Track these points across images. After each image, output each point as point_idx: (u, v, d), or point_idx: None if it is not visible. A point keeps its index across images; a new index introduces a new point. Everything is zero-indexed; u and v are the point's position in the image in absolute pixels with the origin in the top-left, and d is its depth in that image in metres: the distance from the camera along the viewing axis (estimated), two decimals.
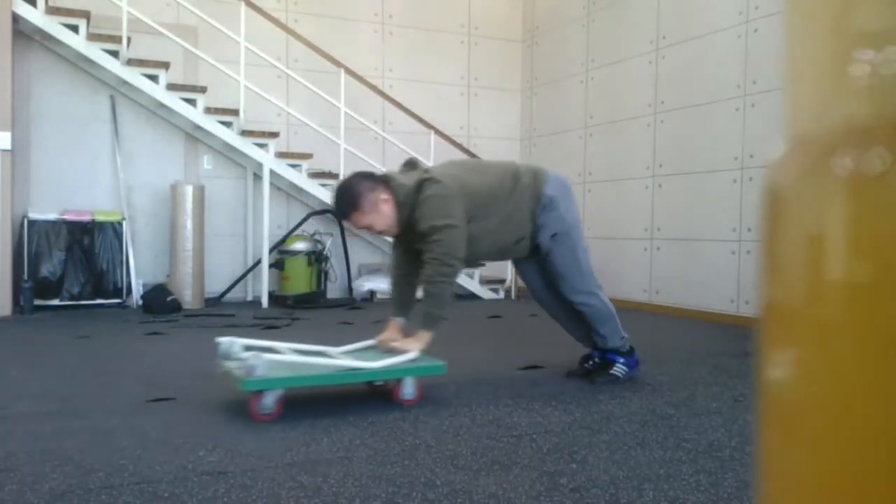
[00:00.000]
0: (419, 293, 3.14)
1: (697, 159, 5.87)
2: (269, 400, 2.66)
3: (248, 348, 2.87)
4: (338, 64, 6.65)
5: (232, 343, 2.85)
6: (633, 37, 6.55)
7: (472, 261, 3.23)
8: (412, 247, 3.13)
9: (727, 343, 4.56)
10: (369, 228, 3.06)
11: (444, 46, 7.83)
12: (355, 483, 2.03)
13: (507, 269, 7.58)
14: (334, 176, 6.78)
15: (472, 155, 7.30)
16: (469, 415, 2.77)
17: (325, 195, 6.72)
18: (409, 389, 2.91)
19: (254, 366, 2.63)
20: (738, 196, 5.50)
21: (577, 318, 3.41)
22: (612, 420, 2.73)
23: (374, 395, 3.06)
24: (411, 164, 3.21)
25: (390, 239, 3.48)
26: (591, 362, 3.46)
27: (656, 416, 2.80)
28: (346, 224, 3.16)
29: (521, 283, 7.82)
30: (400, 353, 2.97)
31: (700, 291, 5.81)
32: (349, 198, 2.99)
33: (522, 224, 3.18)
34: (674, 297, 6.07)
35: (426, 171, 3.10)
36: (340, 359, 2.96)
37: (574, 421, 2.71)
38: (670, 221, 6.14)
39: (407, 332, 3.16)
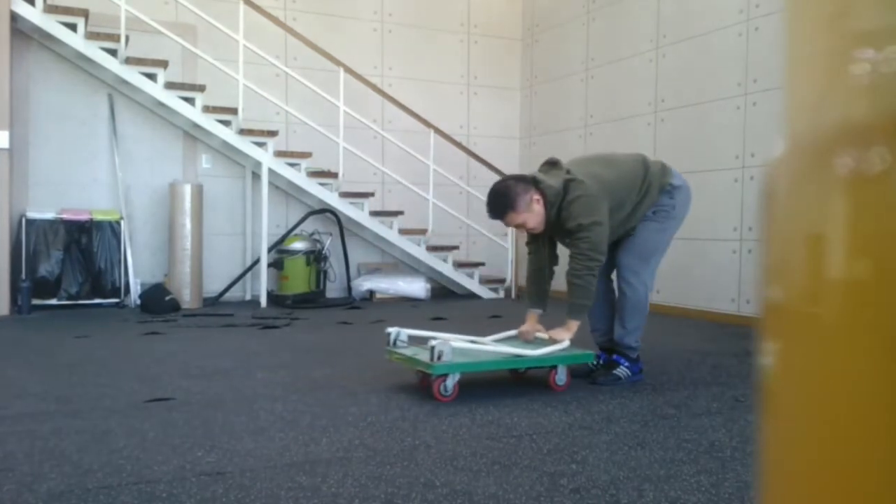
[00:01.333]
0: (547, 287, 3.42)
1: (698, 158, 5.86)
2: (451, 382, 2.93)
3: (411, 338, 3.28)
4: (337, 62, 6.64)
5: (399, 332, 3.26)
6: (634, 35, 6.54)
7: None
8: (549, 242, 3.40)
9: (728, 343, 4.55)
10: (521, 226, 3.27)
11: (444, 45, 7.83)
12: (354, 483, 2.02)
13: (507, 269, 7.58)
14: (333, 175, 6.77)
15: (472, 154, 7.30)
16: (469, 415, 2.77)
17: (325, 194, 6.72)
18: (562, 376, 3.17)
19: (442, 351, 2.91)
20: (738, 195, 5.50)
21: (610, 309, 3.47)
22: (612, 420, 2.72)
23: (374, 394, 3.05)
24: (552, 164, 3.35)
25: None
26: (595, 363, 3.45)
27: (657, 416, 2.80)
28: (499, 222, 3.37)
29: (520, 282, 7.82)
30: (552, 342, 3.21)
31: (701, 291, 5.80)
32: (507, 199, 3.18)
33: (643, 212, 3.35)
34: (674, 297, 6.07)
35: (568, 171, 3.26)
36: (503, 347, 3.23)
37: (574, 421, 2.70)
38: None
39: (544, 323, 3.38)
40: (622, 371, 3.36)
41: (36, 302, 5.79)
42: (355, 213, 6.83)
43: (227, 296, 6.66)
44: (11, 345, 4.25)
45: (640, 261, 3.38)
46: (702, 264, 5.80)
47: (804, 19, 0.58)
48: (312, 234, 6.89)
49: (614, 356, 3.41)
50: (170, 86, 6.21)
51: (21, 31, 5.95)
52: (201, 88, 6.33)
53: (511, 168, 7.99)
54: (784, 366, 0.58)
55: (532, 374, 3.37)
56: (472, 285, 7.31)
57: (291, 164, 6.67)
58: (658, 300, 6.23)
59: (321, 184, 6.74)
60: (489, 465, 2.19)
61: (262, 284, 6.42)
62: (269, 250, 6.53)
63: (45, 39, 6.07)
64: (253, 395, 3.00)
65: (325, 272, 6.87)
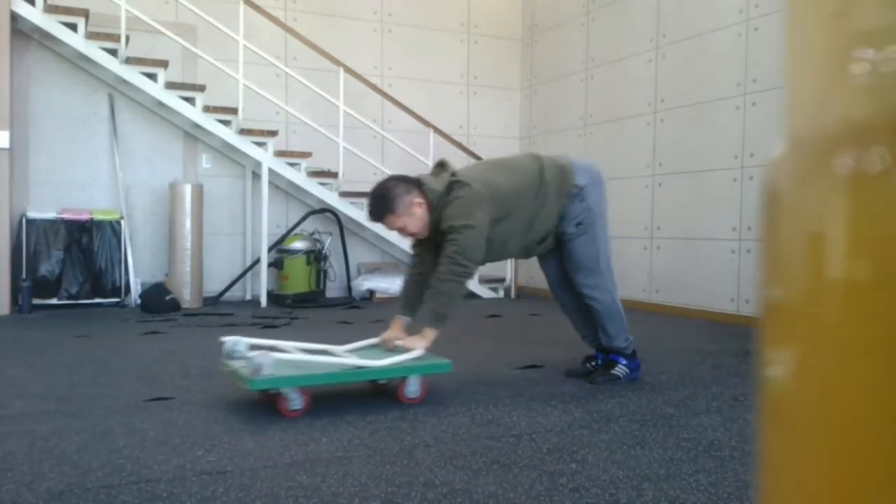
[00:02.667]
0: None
1: (697, 158, 5.86)
2: (296, 398, 2.71)
3: (253, 347, 2.90)
4: (337, 62, 6.64)
5: (237, 342, 2.88)
6: (633, 35, 6.55)
7: (494, 260, 3.25)
8: (433, 248, 3.16)
9: (727, 342, 4.55)
10: (402, 230, 3.10)
11: (444, 45, 7.83)
12: (354, 483, 2.02)
13: (506, 269, 7.58)
14: (333, 175, 6.77)
15: (472, 154, 7.30)
16: (468, 414, 2.77)
17: (325, 194, 6.72)
18: (413, 388, 2.92)
19: (260, 364, 2.64)
20: (738, 195, 5.50)
21: (586, 316, 3.43)
22: (611, 420, 2.73)
23: (372, 394, 3.05)
24: (441, 166, 3.22)
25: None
26: (593, 363, 3.45)
27: (656, 415, 2.80)
28: (380, 225, 3.19)
29: (520, 282, 7.83)
30: (404, 351, 2.98)
31: (700, 290, 5.81)
32: (385, 200, 3.03)
33: (549, 220, 3.21)
34: (674, 297, 6.07)
35: (454, 173, 3.12)
36: (345, 357, 2.97)
37: (574, 420, 2.71)
38: (670, 220, 6.14)
39: (410, 331, 3.16)
40: (620, 370, 3.35)
41: (36, 301, 5.79)
42: (355, 212, 6.83)
43: (228, 295, 6.66)
44: (11, 344, 4.25)
45: (590, 274, 3.30)
46: (701, 264, 5.80)
47: (804, 19, 0.58)
48: (312, 233, 6.90)
49: (611, 355, 3.40)
50: (170, 86, 6.21)
51: (21, 30, 5.95)
52: (201, 88, 6.33)
53: None
54: (783, 365, 0.58)
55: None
56: (472, 285, 7.31)
57: (291, 164, 6.67)
58: (657, 300, 6.23)
59: (321, 183, 6.74)
60: (489, 464, 2.20)
61: (263, 284, 6.42)
62: (269, 250, 6.53)
63: (45, 39, 6.07)
64: (253, 395, 3.00)
65: (325, 272, 6.87)
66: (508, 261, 7.51)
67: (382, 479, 2.05)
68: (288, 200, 7.10)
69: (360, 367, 2.85)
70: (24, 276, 5.76)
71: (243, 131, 6.42)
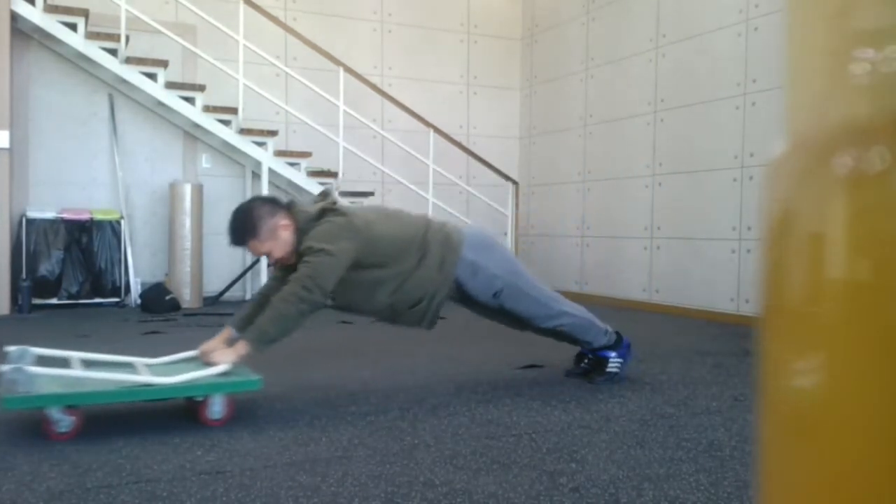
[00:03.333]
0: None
1: (697, 158, 5.86)
2: (63, 417, 2.38)
3: (42, 358, 2.61)
4: (337, 62, 6.64)
5: (24, 352, 2.49)
6: (633, 35, 6.54)
7: (360, 311, 3.01)
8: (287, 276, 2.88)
9: (727, 342, 4.55)
10: (268, 256, 2.86)
11: (444, 44, 7.83)
12: (354, 482, 2.02)
13: None
14: (333, 174, 6.77)
15: (472, 154, 7.29)
16: (468, 414, 2.77)
17: None
18: (216, 408, 2.57)
19: (14, 380, 2.33)
20: (738, 195, 5.50)
21: (553, 334, 3.34)
22: (611, 419, 2.73)
23: (374, 394, 3.05)
24: (324, 195, 3.02)
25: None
26: (585, 361, 3.44)
27: (656, 415, 2.80)
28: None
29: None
30: (210, 365, 2.67)
31: (700, 290, 5.81)
32: (247, 223, 2.79)
33: (426, 285, 2.96)
34: (674, 296, 6.07)
35: (335, 202, 2.92)
36: (143, 372, 2.65)
37: (573, 420, 2.71)
38: (670, 220, 6.14)
39: (230, 343, 2.84)
40: (614, 365, 3.33)
41: (36, 301, 5.79)
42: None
43: (228, 295, 6.66)
44: (11, 344, 4.24)
45: (539, 315, 3.18)
46: (701, 264, 5.80)
47: (804, 19, 0.58)
48: None
49: (598, 353, 3.35)
50: (170, 85, 6.21)
51: (21, 30, 5.95)
52: (201, 88, 6.33)
53: (510, 167, 7.99)
54: (784, 365, 0.58)
55: (530, 374, 3.36)
56: None
57: (291, 164, 6.67)
58: (657, 300, 6.23)
59: (321, 183, 6.74)
60: (488, 463, 2.20)
61: (262, 284, 6.41)
62: None
63: (45, 39, 6.06)
64: (252, 394, 3.00)
65: None
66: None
67: (382, 479, 2.05)
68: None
69: (145, 385, 2.49)
70: (23, 275, 5.76)
71: (243, 131, 6.42)
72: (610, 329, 3.36)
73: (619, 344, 3.36)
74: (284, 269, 2.94)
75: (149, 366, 2.83)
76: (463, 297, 3.14)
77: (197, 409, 2.58)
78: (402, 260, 2.92)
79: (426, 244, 2.97)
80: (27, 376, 2.36)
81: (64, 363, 2.67)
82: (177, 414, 2.73)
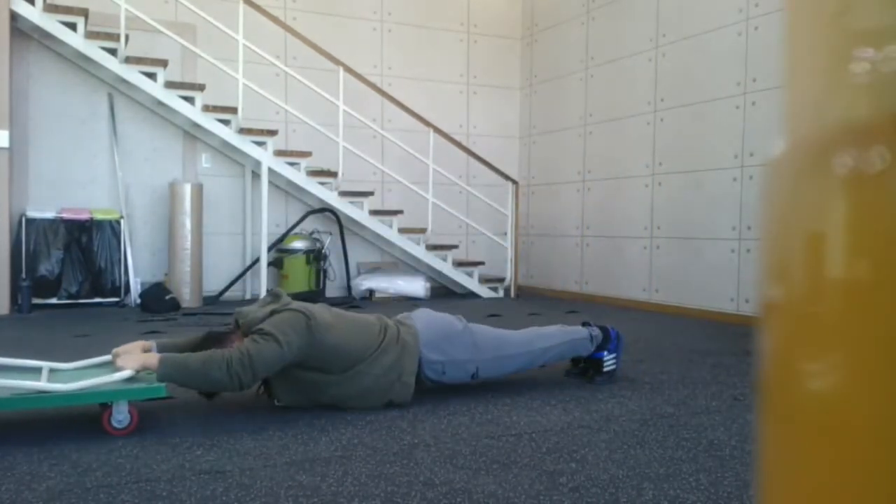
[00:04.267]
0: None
1: (697, 157, 5.86)
2: None
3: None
4: (336, 62, 6.64)
5: None
6: (633, 34, 6.54)
7: (291, 399, 2.79)
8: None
9: (727, 342, 4.55)
10: None
11: (444, 44, 7.83)
12: (354, 482, 2.02)
13: (506, 268, 7.58)
14: (333, 174, 6.77)
15: (472, 154, 7.29)
16: (468, 414, 2.77)
17: (324, 193, 6.71)
18: (121, 416, 2.44)
19: None
20: (738, 194, 5.50)
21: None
22: (611, 419, 2.73)
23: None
24: (274, 296, 2.86)
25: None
26: (582, 362, 3.44)
27: (656, 414, 2.80)
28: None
29: (520, 281, 7.82)
30: (116, 369, 2.54)
31: (700, 290, 5.81)
32: None
33: (374, 395, 2.81)
34: (673, 296, 6.07)
35: (288, 304, 2.76)
36: (45, 378, 2.53)
37: (573, 420, 2.71)
38: (670, 220, 6.14)
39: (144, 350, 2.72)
40: (609, 364, 3.32)
41: (36, 301, 5.79)
42: (355, 212, 6.83)
43: (227, 295, 6.66)
44: (11, 344, 4.25)
45: (522, 363, 3.15)
46: (700, 263, 5.80)
47: (804, 18, 0.58)
48: (312, 233, 6.90)
49: (592, 356, 3.34)
50: (169, 85, 6.21)
51: (21, 30, 5.95)
52: (201, 88, 6.33)
53: (510, 167, 7.99)
54: (783, 365, 0.58)
55: (529, 374, 3.36)
56: (472, 284, 7.31)
57: (291, 164, 6.67)
58: (657, 299, 6.23)
59: (321, 183, 6.74)
60: (488, 463, 2.20)
61: (262, 283, 6.42)
62: (269, 249, 6.53)
63: (44, 39, 6.07)
64: (252, 394, 3.00)
65: (325, 271, 6.87)
66: (508, 260, 7.51)
67: (382, 479, 2.05)
68: (287, 200, 7.10)
69: (41, 392, 2.35)
70: (23, 275, 5.76)
71: (243, 131, 6.42)
72: (595, 331, 3.32)
73: (607, 339, 3.34)
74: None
75: (54, 371, 2.67)
76: (443, 386, 3.06)
77: (100, 418, 2.46)
78: (353, 367, 2.76)
79: (380, 353, 2.81)
80: None
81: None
82: (177, 414, 2.73)
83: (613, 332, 3.37)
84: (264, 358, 2.54)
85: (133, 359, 2.53)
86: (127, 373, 2.48)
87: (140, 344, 2.71)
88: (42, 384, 2.39)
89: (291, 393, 2.77)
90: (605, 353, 3.33)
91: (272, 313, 2.67)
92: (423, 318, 3.04)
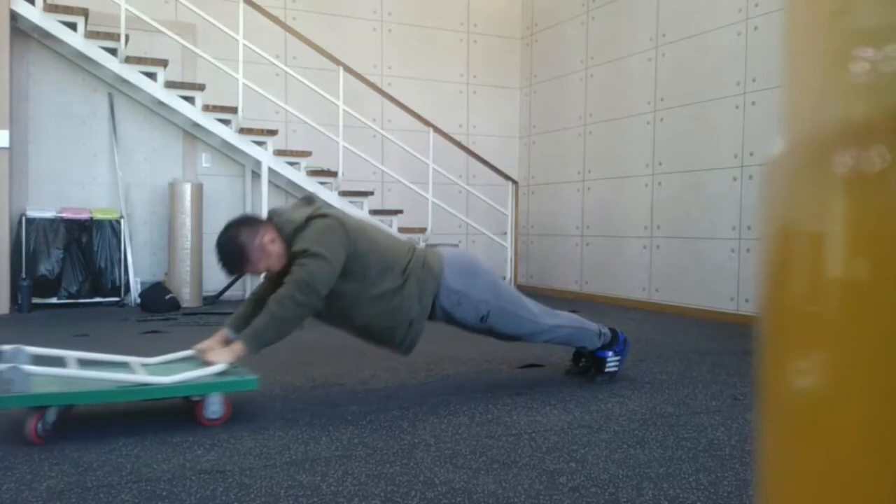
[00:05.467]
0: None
1: (697, 157, 5.86)
2: (52, 418, 2.38)
3: (38, 357, 2.60)
4: (336, 61, 6.64)
5: (18, 351, 2.45)
6: (633, 34, 6.54)
7: (328, 317, 2.91)
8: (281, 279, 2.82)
9: (727, 341, 4.55)
10: (268, 272, 2.85)
11: (444, 44, 7.83)
12: (354, 482, 2.02)
13: (506, 268, 7.58)
14: (333, 174, 6.77)
15: (472, 153, 7.29)
16: (468, 413, 2.77)
17: (324, 193, 6.71)
18: (214, 408, 2.57)
19: (10, 380, 2.31)
20: (737, 194, 5.50)
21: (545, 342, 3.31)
22: (611, 419, 2.73)
23: (374, 393, 3.05)
24: (308, 200, 2.97)
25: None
26: (583, 360, 3.45)
27: (656, 414, 2.80)
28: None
29: (520, 281, 7.82)
30: (206, 365, 2.66)
31: (700, 290, 5.81)
32: (234, 253, 2.75)
33: (400, 312, 2.89)
34: (673, 296, 6.07)
35: (321, 207, 2.87)
36: (140, 372, 2.65)
37: (573, 420, 2.71)
38: (670, 219, 6.14)
39: (226, 344, 2.83)
40: (612, 364, 3.33)
41: (36, 300, 5.79)
42: (355, 211, 6.83)
43: (227, 294, 6.66)
44: (11, 343, 4.24)
45: (528, 331, 3.14)
46: (700, 263, 5.80)
47: (804, 18, 0.58)
48: None
49: (596, 354, 3.35)
50: (170, 85, 6.21)
51: (21, 29, 5.95)
52: (201, 87, 6.32)
53: (510, 167, 7.99)
54: (783, 364, 0.58)
55: (530, 374, 3.36)
56: None
57: (291, 163, 6.66)
58: (657, 299, 6.23)
59: (321, 182, 6.74)
60: (488, 463, 2.20)
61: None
62: None
63: (44, 38, 6.06)
64: (252, 394, 3.00)
65: None
66: (508, 260, 7.51)
67: (382, 478, 2.05)
68: (287, 199, 7.10)
69: (142, 385, 2.49)
70: (23, 275, 5.76)
71: (243, 130, 6.42)
72: (605, 329, 3.35)
73: (615, 341, 3.36)
74: (274, 277, 2.89)
75: (145, 365, 2.81)
76: (450, 321, 3.09)
77: (194, 409, 2.58)
78: (383, 279, 2.85)
79: (408, 271, 2.91)
80: (23, 375, 2.33)
81: (59, 362, 2.65)
82: (177, 413, 2.73)
83: (622, 335, 3.39)
84: (319, 278, 2.69)
85: (222, 353, 2.68)
86: (220, 367, 2.62)
87: (220, 337, 2.85)
88: (145, 377, 2.53)
89: (327, 306, 2.83)
90: (611, 353, 3.34)
91: (308, 220, 2.78)
92: (451, 251, 3.15)
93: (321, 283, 2.69)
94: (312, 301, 2.69)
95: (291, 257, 2.76)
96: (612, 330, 3.38)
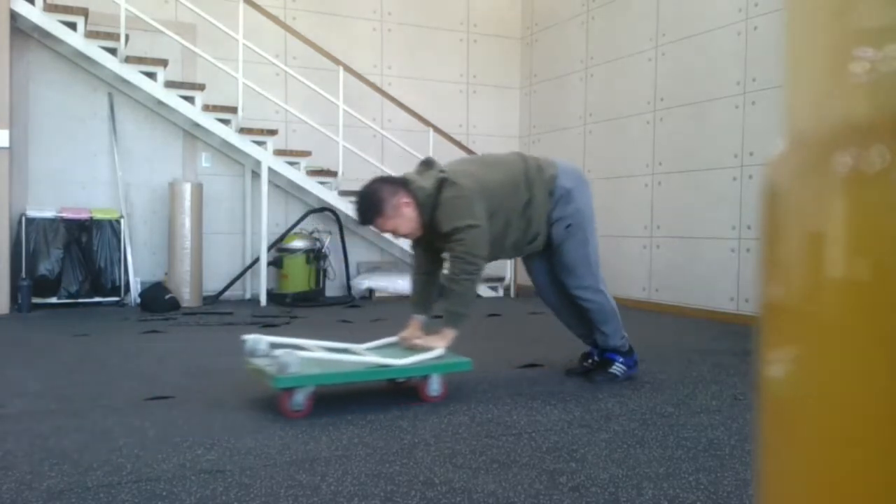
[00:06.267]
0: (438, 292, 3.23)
1: (697, 157, 5.86)
2: (300, 397, 2.70)
3: (275, 346, 2.95)
4: (336, 61, 6.64)
5: (258, 340, 2.92)
6: (633, 34, 6.54)
7: (491, 259, 3.21)
8: (432, 246, 3.18)
9: (727, 341, 4.56)
10: (394, 232, 3.10)
11: (443, 44, 7.83)
12: (354, 481, 2.02)
13: (506, 267, 7.58)
14: (332, 174, 6.77)
15: (471, 153, 7.30)
16: (468, 413, 2.77)
17: (324, 193, 6.72)
18: (435, 386, 2.95)
19: (287, 363, 2.66)
20: (737, 194, 5.50)
21: (579, 316, 3.40)
22: (611, 418, 2.73)
23: (373, 393, 3.05)
24: (428, 164, 3.19)
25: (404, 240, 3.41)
26: (590, 360, 3.46)
27: (656, 414, 2.80)
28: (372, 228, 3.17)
29: (520, 280, 7.82)
30: (425, 350, 2.99)
31: (700, 289, 5.81)
32: (373, 203, 3.01)
33: (538, 219, 3.18)
34: (673, 295, 6.07)
35: (442, 170, 3.09)
36: (367, 356, 2.99)
37: (573, 419, 2.71)
38: (670, 219, 6.14)
39: (427, 330, 3.19)
40: (618, 368, 3.36)
41: (36, 300, 5.79)
42: (355, 211, 6.82)
43: (227, 294, 6.66)
44: (11, 343, 4.25)
45: (582, 277, 3.27)
46: (700, 263, 5.80)
47: (804, 18, 0.58)
48: (312, 232, 6.89)
49: (606, 354, 3.39)
50: (169, 85, 6.21)
51: (21, 29, 5.95)
52: (201, 87, 6.33)
53: None
54: (783, 364, 0.58)
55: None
56: None
57: (291, 163, 6.67)
58: (657, 299, 6.23)
59: (321, 182, 6.74)
60: (488, 462, 2.20)
61: (262, 283, 6.42)
62: (269, 249, 6.53)
63: (44, 38, 6.06)
64: (252, 394, 3.00)
65: (325, 270, 6.87)
66: (508, 260, 7.51)
67: (382, 478, 2.05)
68: (287, 199, 7.10)
69: (382, 366, 2.88)
70: (23, 275, 5.76)
71: (243, 130, 6.42)
72: (627, 336, 3.39)
73: (629, 353, 3.40)
74: (418, 243, 3.22)
75: (367, 350, 3.15)
76: (548, 223, 3.28)
77: (416, 388, 2.97)
78: (513, 201, 3.12)
79: (529, 180, 3.16)
80: (297, 360, 2.69)
81: (297, 349, 2.89)
82: (177, 412, 2.73)
83: (637, 355, 3.45)
84: (477, 244, 2.99)
85: (438, 339, 3.03)
86: (439, 351, 2.99)
87: (416, 324, 3.19)
88: (385, 360, 2.89)
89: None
90: (621, 358, 3.37)
91: (440, 187, 3.01)
92: (564, 161, 3.43)
93: (481, 247, 3.00)
94: (480, 265, 3.01)
95: (436, 232, 3.04)
96: (630, 346, 3.42)
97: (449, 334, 3.03)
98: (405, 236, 3.12)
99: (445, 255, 3.14)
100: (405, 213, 3.02)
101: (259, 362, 2.83)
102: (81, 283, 5.99)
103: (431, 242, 3.16)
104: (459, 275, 2.98)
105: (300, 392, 2.69)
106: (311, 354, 2.89)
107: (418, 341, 3.08)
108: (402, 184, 3.05)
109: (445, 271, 3.09)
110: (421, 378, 2.96)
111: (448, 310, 3.02)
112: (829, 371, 0.53)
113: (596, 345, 3.45)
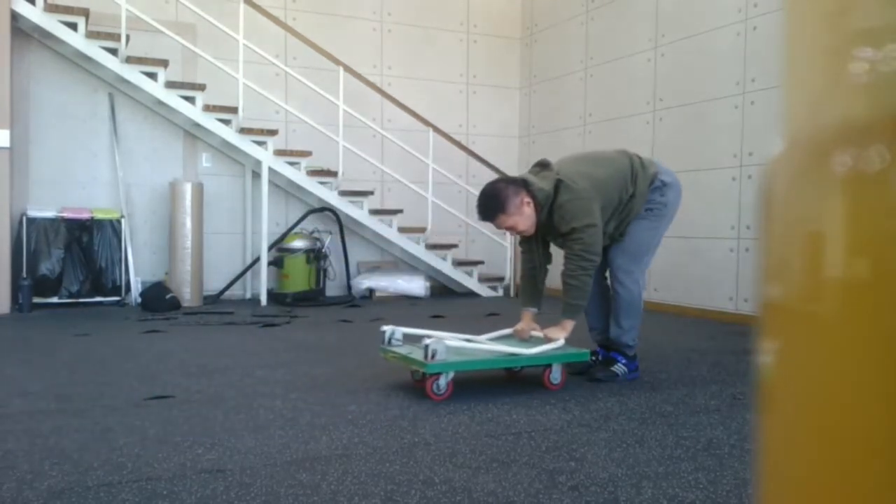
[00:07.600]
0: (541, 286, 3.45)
1: (696, 157, 5.86)
2: (444, 381, 2.94)
3: (406, 336, 3.27)
4: (336, 61, 6.64)
5: (394, 331, 3.23)
6: (632, 34, 6.54)
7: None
8: (541, 242, 3.40)
9: (726, 341, 4.56)
10: (512, 229, 3.28)
11: (443, 44, 7.83)
12: (354, 481, 2.03)
13: (506, 267, 7.58)
14: (333, 174, 6.78)
15: (471, 153, 7.30)
16: (468, 413, 2.77)
17: (324, 193, 6.72)
18: (556, 374, 3.18)
19: (435, 350, 2.91)
20: (736, 194, 5.50)
21: (605, 306, 3.47)
22: (610, 418, 2.73)
23: (375, 392, 3.06)
24: (543, 165, 3.36)
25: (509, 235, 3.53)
26: (594, 358, 3.47)
27: (655, 413, 2.80)
28: (490, 224, 3.40)
29: (519, 280, 7.82)
30: (546, 340, 3.22)
31: (699, 289, 5.81)
32: (497, 201, 3.19)
33: (637, 210, 3.35)
34: (672, 295, 6.07)
35: (558, 172, 3.26)
36: (499, 345, 3.24)
37: (573, 419, 2.71)
38: None
39: (539, 322, 3.41)
40: (619, 368, 3.37)
41: (37, 300, 5.79)
42: (355, 211, 6.83)
43: (228, 294, 6.66)
44: (12, 343, 4.25)
45: (632, 260, 3.38)
46: (699, 263, 5.80)
47: (803, 18, 0.58)
48: (312, 232, 6.89)
49: (612, 353, 3.43)
50: (170, 85, 6.21)
51: (21, 29, 5.95)
52: (201, 87, 6.33)
53: (510, 167, 7.99)
54: (782, 364, 0.58)
55: (527, 373, 3.37)
56: (471, 283, 7.31)
57: (291, 163, 6.67)
58: (656, 298, 6.23)
59: (321, 182, 6.74)
60: (488, 462, 2.20)
61: (263, 283, 6.42)
62: (269, 248, 6.53)
63: (45, 38, 6.06)
64: (253, 393, 3.00)
65: (325, 270, 6.87)
66: (507, 259, 7.51)
67: (382, 478, 2.06)
68: (288, 199, 7.10)
69: (513, 355, 3.13)
70: (24, 274, 5.76)
71: (243, 130, 6.42)
72: (638, 342, 3.45)
73: (633, 359, 3.44)
74: (527, 240, 3.42)
75: (490, 340, 3.40)
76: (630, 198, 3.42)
77: (541, 376, 3.18)
78: (619, 195, 3.30)
79: (634, 174, 3.34)
80: (445, 348, 2.96)
81: (422, 340, 3.07)
82: (177, 412, 2.73)
83: (638, 364, 3.48)
84: (594, 242, 3.18)
85: (558, 331, 3.23)
86: (560, 342, 3.21)
87: (529, 317, 3.41)
88: (515, 349, 3.17)
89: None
90: (624, 360, 3.39)
91: (557, 188, 3.20)
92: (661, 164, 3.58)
93: (597, 244, 3.19)
94: (596, 261, 3.20)
95: (561, 235, 3.23)
96: (636, 354, 3.47)
97: (568, 325, 3.24)
98: (521, 233, 3.32)
99: (550, 250, 3.44)
100: (525, 212, 3.21)
101: (402, 350, 3.12)
102: (82, 282, 6.00)
103: (542, 239, 3.38)
104: (576, 271, 3.17)
105: (443, 377, 2.93)
106: (456, 344, 3.18)
107: (536, 332, 3.32)
108: (523, 184, 3.23)
109: (563, 267, 3.27)
110: (542, 367, 3.17)
111: (567, 302, 3.22)
112: (828, 371, 0.53)
113: (603, 345, 3.48)
